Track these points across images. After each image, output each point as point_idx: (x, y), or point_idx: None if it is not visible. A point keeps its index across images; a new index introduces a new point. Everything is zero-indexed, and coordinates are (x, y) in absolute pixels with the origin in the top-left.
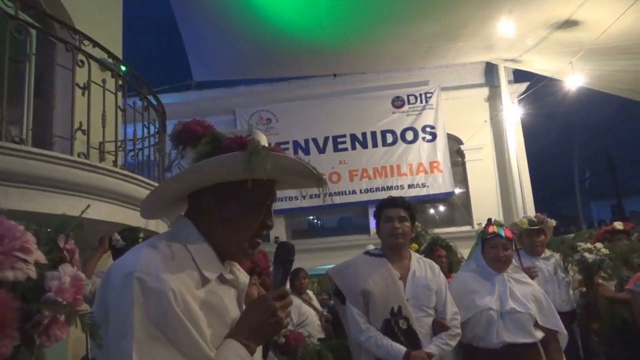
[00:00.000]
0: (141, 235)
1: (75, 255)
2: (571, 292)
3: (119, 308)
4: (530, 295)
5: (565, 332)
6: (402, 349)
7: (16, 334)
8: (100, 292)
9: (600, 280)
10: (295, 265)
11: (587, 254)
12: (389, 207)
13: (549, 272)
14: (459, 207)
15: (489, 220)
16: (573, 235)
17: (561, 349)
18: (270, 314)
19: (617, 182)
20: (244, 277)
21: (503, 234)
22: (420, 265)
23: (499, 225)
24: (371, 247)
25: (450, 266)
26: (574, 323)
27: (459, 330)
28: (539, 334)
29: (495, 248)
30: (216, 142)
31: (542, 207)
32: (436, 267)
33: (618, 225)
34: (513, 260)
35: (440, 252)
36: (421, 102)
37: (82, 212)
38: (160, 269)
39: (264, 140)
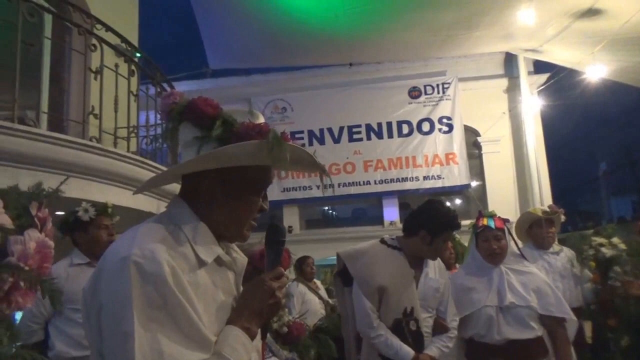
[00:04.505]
0: (110, 206)
1: (48, 223)
2: (579, 287)
3: (116, 293)
4: (531, 285)
5: (575, 318)
6: (411, 352)
7: None
8: (94, 276)
9: (626, 278)
10: (307, 254)
11: (604, 249)
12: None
13: (563, 266)
14: (474, 200)
15: (480, 212)
16: (592, 231)
17: (568, 337)
18: (269, 295)
19: (637, 177)
20: (241, 259)
21: (493, 225)
22: (434, 266)
23: (490, 216)
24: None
25: (457, 258)
26: (581, 318)
27: (457, 332)
28: (540, 329)
29: (487, 241)
30: (228, 126)
31: (560, 202)
32: (442, 266)
33: None
34: (514, 248)
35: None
36: (438, 92)
37: (61, 183)
38: (156, 251)
39: (260, 120)
